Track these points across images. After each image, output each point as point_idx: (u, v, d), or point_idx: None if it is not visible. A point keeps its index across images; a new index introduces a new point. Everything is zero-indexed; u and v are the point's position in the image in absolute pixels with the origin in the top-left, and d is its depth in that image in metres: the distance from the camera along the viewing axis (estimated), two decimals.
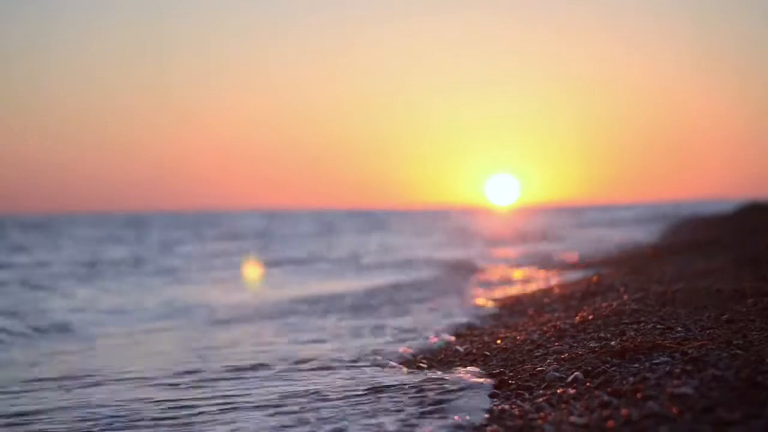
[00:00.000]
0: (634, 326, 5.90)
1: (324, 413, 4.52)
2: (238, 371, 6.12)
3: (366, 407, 4.57)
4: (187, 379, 5.96)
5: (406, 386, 4.94)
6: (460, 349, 6.50)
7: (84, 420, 4.89)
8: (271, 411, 4.69)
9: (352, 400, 4.78)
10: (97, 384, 6.02)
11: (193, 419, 4.69)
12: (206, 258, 25.28)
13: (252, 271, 20.10)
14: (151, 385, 5.81)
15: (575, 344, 5.62)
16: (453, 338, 7.30)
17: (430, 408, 4.35)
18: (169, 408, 4.98)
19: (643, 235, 30.81)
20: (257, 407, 4.83)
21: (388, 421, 4.18)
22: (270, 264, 21.77)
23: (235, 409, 4.84)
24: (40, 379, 6.42)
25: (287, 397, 5.05)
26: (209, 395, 5.29)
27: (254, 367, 6.24)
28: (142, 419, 4.76)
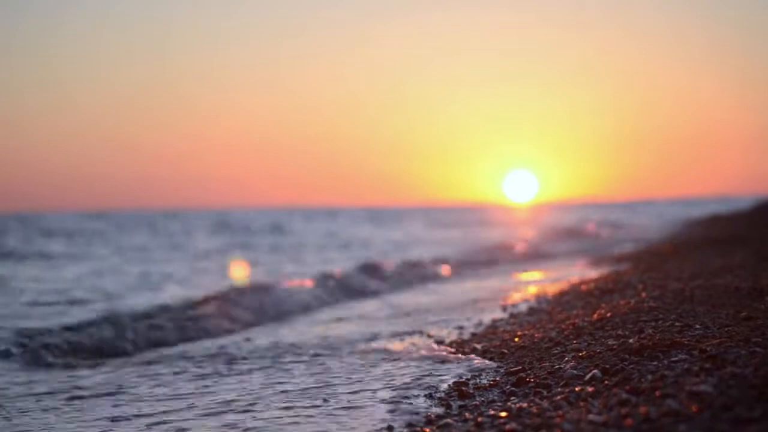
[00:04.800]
0: (653, 324, 5.90)
1: None
2: None
3: None
4: None
5: None
6: (478, 346, 6.51)
7: None
8: None
9: None
10: None
11: None
12: None
13: None
14: None
15: (593, 342, 5.62)
16: None
17: None
18: None
19: (661, 231, 30.71)
20: None
21: None
22: None
23: None
24: None
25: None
26: None
27: None
28: None
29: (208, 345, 8.13)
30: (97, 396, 5.82)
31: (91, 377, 6.64)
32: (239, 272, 17.87)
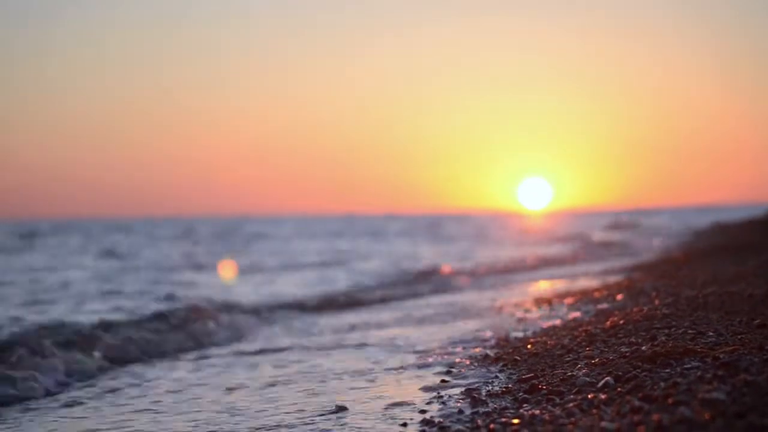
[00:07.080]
0: (666, 331, 5.88)
1: None
2: None
3: None
4: None
5: None
6: (491, 353, 6.51)
7: None
8: None
9: None
10: None
11: None
12: None
13: None
14: None
15: (606, 349, 5.61)
16: None
17: None
18: None
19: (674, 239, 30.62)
20: None
21: None
22: None
23: None
24: None
25: None
26: None
27: None
28: None
29: None
30: None
31: None
32: None
